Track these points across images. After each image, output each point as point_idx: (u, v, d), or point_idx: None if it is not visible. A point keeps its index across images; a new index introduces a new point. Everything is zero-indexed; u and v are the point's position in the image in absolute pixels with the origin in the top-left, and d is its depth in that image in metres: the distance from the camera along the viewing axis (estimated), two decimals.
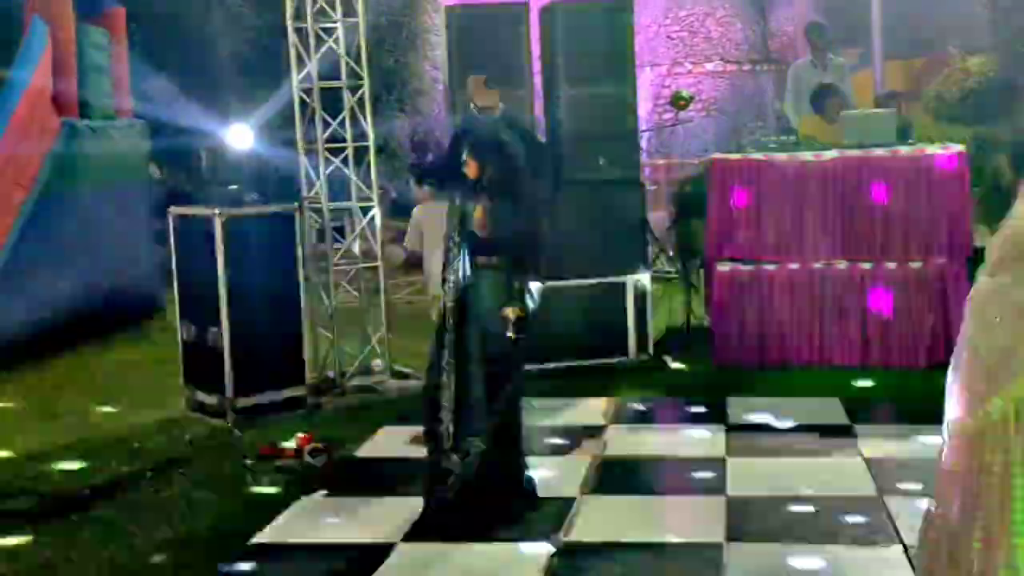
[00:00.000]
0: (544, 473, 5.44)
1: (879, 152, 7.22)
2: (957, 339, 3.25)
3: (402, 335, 7.78)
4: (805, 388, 6.72)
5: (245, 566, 4.50)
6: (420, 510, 4.85)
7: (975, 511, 2.96)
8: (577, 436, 6.03)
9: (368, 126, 7.39)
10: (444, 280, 4.85)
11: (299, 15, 7.34)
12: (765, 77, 13.72)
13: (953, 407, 3.16)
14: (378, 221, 7.41)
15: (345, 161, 7.35)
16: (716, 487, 5.14)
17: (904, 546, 4.37)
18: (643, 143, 9.72)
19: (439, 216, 6.00)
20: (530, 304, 4.73)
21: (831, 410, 6.35)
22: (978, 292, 3.14)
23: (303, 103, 7.37)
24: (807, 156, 7.32)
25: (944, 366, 7.24)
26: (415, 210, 6.12)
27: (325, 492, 5.33)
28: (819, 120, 8.27)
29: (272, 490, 5.39)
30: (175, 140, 10.76)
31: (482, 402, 4.74)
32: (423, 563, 4.48)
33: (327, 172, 7.28)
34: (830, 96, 8.30)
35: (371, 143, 7.40)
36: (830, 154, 7.29)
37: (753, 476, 5.28)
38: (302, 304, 6.84)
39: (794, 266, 7.30)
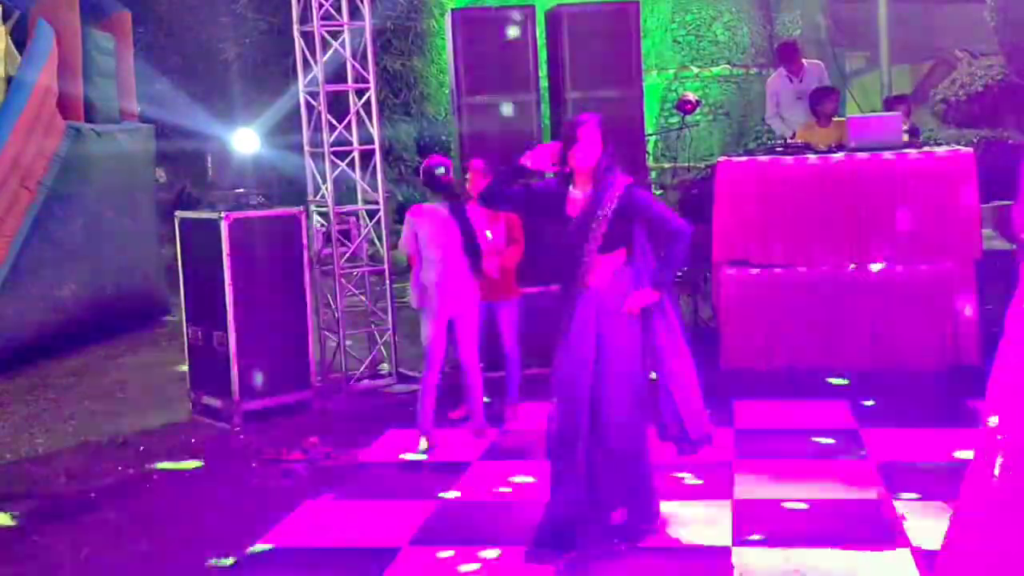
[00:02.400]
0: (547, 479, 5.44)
1: (886, 155, 7.21)
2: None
3: (409, 338, 7.78)
4: (813, 391, 6.71)
5: (251, 570, 4.50)
6: (430, 514, 4.86)
7: None
8: None
9: (374, 129, 7.40)
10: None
11: (305, 18, 7.36)
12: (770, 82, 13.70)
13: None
14: (384, 224, 7.42)
15: (351, 164, 7.36)
16: (723, 491, 5.14)
17: (912, 549, 4.37)
18: (649, 147, 9.72)
19: (438, 221, 5.91)
20: None
21: (839, 413, 6.34)
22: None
23: (309, 106, 7.38)
24: (814, 159, 7.31)
25: (953, 369, 7.26)
26: (409, 213, 5.99)
27: (331, 495, 5.33)
28: (813, 126, 8.26)
29: (278, 494, 5.39)
30: (181, 144, 10.80)
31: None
32: (429, 568, 4.48)
33: (333, 175, 7.29)
34: (822, 100, 8.27)
35: (377, 147, 7.41)
36: (837, 157, 7.29)
37: (760, 480, 5.27)
38: (308, 307, 6.85)
39: (801, 269, 7.29)
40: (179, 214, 7.03)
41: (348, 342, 7.34)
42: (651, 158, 10.30)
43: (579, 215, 4.43)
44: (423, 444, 5.86)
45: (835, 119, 8.13)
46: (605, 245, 4.40)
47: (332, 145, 7.27)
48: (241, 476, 5.68)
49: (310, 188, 7.49)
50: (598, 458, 4.49)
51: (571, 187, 4.48)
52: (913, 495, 4.97)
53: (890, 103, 9.12)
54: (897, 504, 4.87)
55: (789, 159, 7.36)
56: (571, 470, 4.47)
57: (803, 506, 4.93)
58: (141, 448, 6.22)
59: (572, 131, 4.43)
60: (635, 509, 4.58)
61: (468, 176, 6.21)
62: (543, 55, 7.82)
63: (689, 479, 5.30)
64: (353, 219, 7.48)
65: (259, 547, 4.71)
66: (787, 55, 9.12)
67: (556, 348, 4.51)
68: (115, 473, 5.81)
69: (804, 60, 9.13)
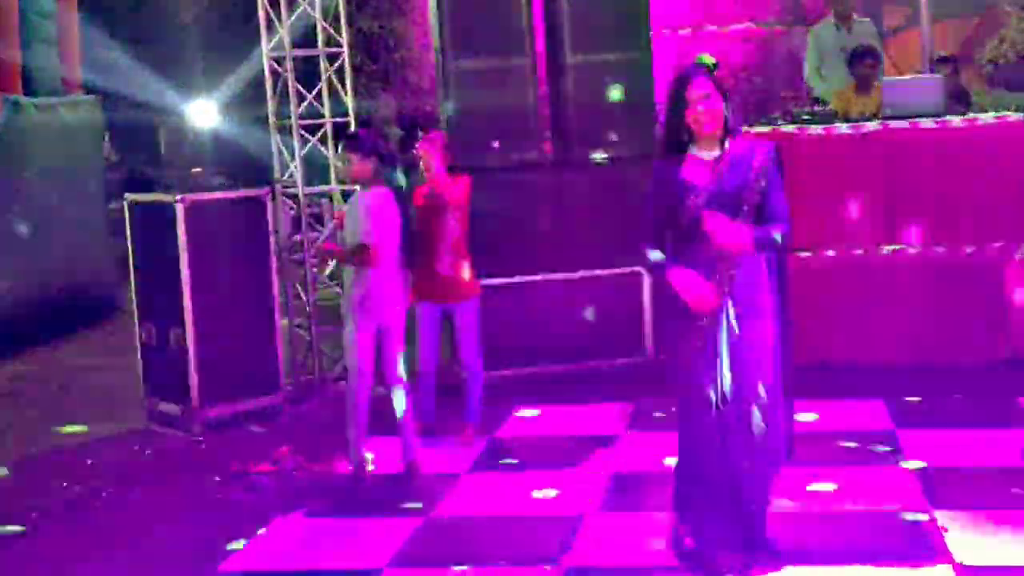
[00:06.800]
0: (549, 488, 5.48)
1: (926, 123, 7.24)
2: None
3: None
4: (844, 389, 6.74)
5: None
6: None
7: None
8: (587, 446, 6.06)
9: (348, 100, 7.42)
10: None
11: None
12: (798, 41, 13.69)
13: None
14: None
15: (323, 140, 7.38)
16: None
17: (954, 566, 4.41)
18: (661, 116, 9.71)
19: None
20: None
21: (874, 414, 6.38)
22: None
23: (275, 74, 7.39)
24: (845, 128, 7.34)
25: (1001, 363, 7.25)
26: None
27: (304, 512, 5.36)
28: (850, 92, 8.27)
29: (244, 510, 5.42)
30: (132, 117, 10.80)
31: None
32: None
33: (302, 152, 7.31)
34: (862, 61, 8.29)
35: (352, 119, 7.43)
36: (871, 126, 7.31)
37: (784, 488, 5.30)
38: (276, 301, 6.87)
39: (831, 252, 7.32)
40: (129, 197, 7.05)
41: (322, 340, 7.36)
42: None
43: (712, 182, 4.29)
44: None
45: (876, 84, 8.14)
46: (755, 216, 4.28)
47: (301, 118, 7.28)
48: (202, 491, 5.70)
49: (276, 166, 7.50)
50: (739, 461, 4.35)
51: (692, 147, 4.33)
52: (957, 506, 5.00)
53: (937, 64, 9.13)
54: (938, 515, 4.91)
55: (818, 128, 7.38)
56: (706, 482, 4.39)
57: (833, 518, 4.96)
58: (90, 461, 6.25)
59: (685, 88, 4.29)
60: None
61: (422, 152, 6.17)
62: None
63: None
64: (326, 201, 7.51)
65: (223, 570, 4.73)
66: (837, 2, 9.10)
67: (680, 334, 4.37)
68: (61, 490, 5.83)
69: (856, 16, 9.15)
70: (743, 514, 4.40)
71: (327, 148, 7.39)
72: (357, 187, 5.70)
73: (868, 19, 9.54)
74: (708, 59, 4.45)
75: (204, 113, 7.39)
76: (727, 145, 4.33)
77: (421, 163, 6.20)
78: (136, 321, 7.00)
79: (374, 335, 5.62)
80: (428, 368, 6.28)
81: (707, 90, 4.28)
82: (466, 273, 6.18)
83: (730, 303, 4.33)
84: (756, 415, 4.34)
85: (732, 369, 4.33)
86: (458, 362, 6.38)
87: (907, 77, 8.50)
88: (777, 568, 4.42)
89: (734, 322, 4.33)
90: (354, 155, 5.58)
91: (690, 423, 4.41)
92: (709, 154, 4.33)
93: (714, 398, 4.33)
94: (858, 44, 8.66)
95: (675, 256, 4.37)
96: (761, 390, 4.33)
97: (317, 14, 7.38)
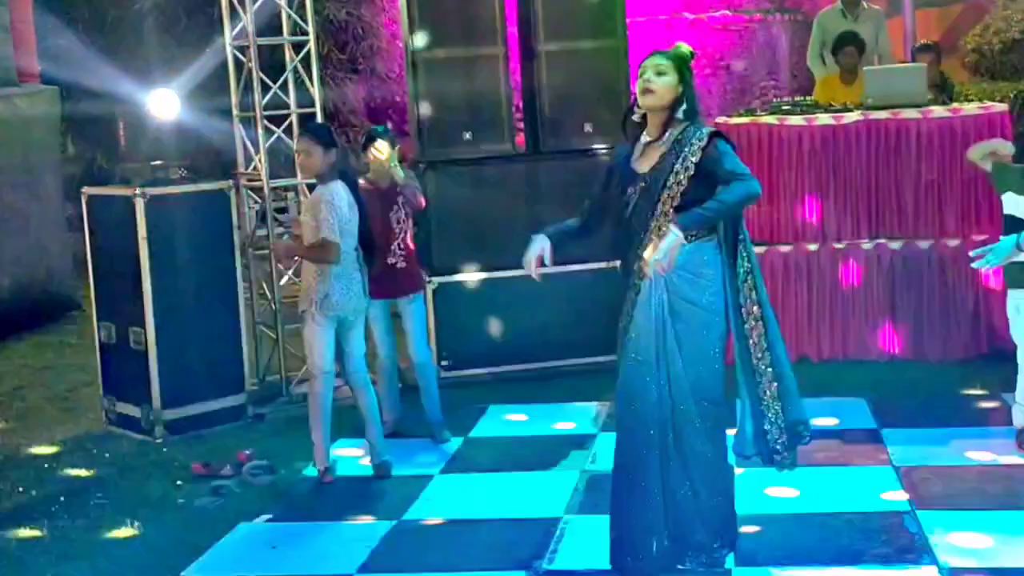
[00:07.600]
0: (525, 490, 5.47)
1: (909, 113, 7.27)
2: None
3: None
4: (826, 387, 6.76)
5: None
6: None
7: None
8: (564, 447, 6.06)
9: (315, 90, 7.38)
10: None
11: None
12: (778, 29, 13.75)
13: None
14: None
15: (288, 131, 7.35)
16: None
17: (938, 565, 4.43)
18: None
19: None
20: None
21: (856, 411, 6.41)
22: None
23: (238, 63, 7.35)
24: (826, 119, 7.37)
25: (985, 359, 7.30)
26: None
27: (268, 517, 5.35)
28: (836, 80, 8.31)
29: (207, 516, 5.39)
30: (90, 108, 10.72)
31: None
32: None
33: (267, 144, 7.27)
34: (845, 48, 8.31)
35: (318, 110, 7.40)
36: (852, 116, 7.34)
37: (765, 490, 5.32)
38: (240, 298, 6.83)
39: (812, 247, 7.35)
40: (87, 190, 7.00)
41: (287, 339, 7.33)
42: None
43: (653, 169, 4.23)
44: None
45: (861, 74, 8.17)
46: (684, 208, 4.15)
47: (265, 108, 7.24)
48: (165, 496, 5.67)
49: (240, 159, 7.46)
50: (673, 477, 4.32)
51: (644, 136, 4.30)
52: (941, 505, 5.04)
53: (918, 53, 9.18)
54: (921, 515, 4.93)
55: (798, 119, 7.41)
56: (641, 493, 4.33)
57: (815, 519, 4.99)
58: (45, 466, 6.20)
59: (642, 65, 4.27)
60: (715, 531, 4.44)
61: (377, 146, 6.11)
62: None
63: None
64: (292, 194, 7.48)
65: None
66: None
67: (619, 341, 4.40)
68: (15, 495, 5.78)
69: (865, 4, 9.19)
70: (692, 543, 4.38)
71: (293, 140, 7.35)
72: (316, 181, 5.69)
73: (877, 7, 9.54)
74: (685, 48, 4.45)
75: (165, 104, 7.31)
76: (669, 131, 4.26)
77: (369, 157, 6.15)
78: (94, 320, 6.94)
79: (335, 333, 5.62)
80: (388, 365, 6.28)
81: (658, 67, 4.25)
82: (414, 267, 6.23)
83: (666, 300, 4.28)
84: (692, 436, 4.31)
85: (669, 377, 4.30)
86: (408, 360, 6.34)
87: (889, 66, 8.53)
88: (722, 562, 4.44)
89: (669, 319, 4.29)
90: (317, 147, 5.58)
91: (624, 432, 4.39)
92: (651, 139, 4.29)
93: (655, 410, 4.30)
94: (842, 33, 8.69)
95: (616, 243, 4.41)
96: (695, 404, 4.30)
97: (282, 1, 7.34)
